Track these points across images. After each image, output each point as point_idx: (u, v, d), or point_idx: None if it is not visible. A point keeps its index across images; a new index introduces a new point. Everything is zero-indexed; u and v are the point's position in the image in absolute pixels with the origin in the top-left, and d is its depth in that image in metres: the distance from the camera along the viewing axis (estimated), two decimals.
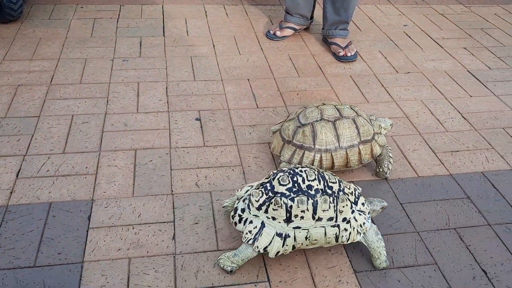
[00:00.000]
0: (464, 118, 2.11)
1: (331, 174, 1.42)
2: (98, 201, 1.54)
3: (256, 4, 3.14)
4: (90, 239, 1.41)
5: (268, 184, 1.35)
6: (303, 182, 1.33)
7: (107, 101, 2.05)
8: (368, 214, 1.43)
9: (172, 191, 1.61)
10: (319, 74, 2.38)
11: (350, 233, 1.37)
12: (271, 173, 1.39)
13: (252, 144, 1.86)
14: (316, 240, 1.35)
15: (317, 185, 1.34)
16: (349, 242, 1.37)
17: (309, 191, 1.32)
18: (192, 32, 2.71)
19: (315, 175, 1.36)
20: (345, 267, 1.40)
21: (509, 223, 1.58)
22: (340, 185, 1.38)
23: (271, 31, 2.73)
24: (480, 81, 2.41)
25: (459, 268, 1.42)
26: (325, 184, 1.35)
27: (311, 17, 2.80)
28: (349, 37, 2.63)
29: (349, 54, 2.54)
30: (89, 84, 2.16)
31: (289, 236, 1.32)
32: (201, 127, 1.94)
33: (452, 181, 1.75)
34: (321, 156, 1.65)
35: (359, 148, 1.67)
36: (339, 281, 1.35)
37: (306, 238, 1.33)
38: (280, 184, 1.32)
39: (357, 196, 1.42)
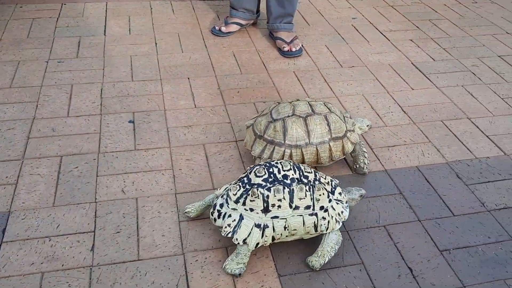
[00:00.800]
0: (404, 112, 2.10)
1: (307, 165, 1.44)
2: (15, 213, 1.47)
3: None
4: (2, 254, 1.35)
5: (245, 178, 1.38)
6: (279, 172, 1.36)
7: (37, 106, 1.97)
8: (346, 203, 1.45)
9: (95, 199, 1.55)
10: (262, 70, 2.34)
11: (328, 221, 1.38)
12: (248, 168, 1.42)
13: (186, 146, 1.82)
14: (295, 229, 1.36)
15: (292, 174, 1.36)
16: (328, 231, 1.38)
17: (285, 180, 1.35)
18: (134, 30, 2.63)
19: (291, 165, 1.38)
20: (269, 271, 1.37)
21: (439, 217, 1.58)
22: (315, 175, 1.41)
23: (217, 27, 2.67)
24: (423, 73, 2.41)
25: (385, 267, 1.40)
26: (301, 173, 1.38)
27: (257, 11, 2.75)
28: (294, 31, 2.60)
29: (293, 49, 2.50)
30: (19, 88, 2.08)
31: (268, 227, 1.33)
32: (134, 129, 1.88)
33: (386, 177, 1.73)
34: (291, 152, 1.65)
35: (329, 144, 1.67)
36: (262, 286, 1.32)
37: (285, 228, 1.35)
38: (257, 176, 1.35)
39: (333, 186, 1.45)
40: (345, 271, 1.38)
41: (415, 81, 2.34)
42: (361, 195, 1.51)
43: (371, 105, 2.13)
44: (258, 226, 1.33)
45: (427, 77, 2.38)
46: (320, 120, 1.66)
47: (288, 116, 1.66)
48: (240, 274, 1.34)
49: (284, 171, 1.36)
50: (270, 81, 2.26)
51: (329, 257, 1.38)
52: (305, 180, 1.37)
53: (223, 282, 1.33)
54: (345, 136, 1.70)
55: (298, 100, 1.75)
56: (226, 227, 1.34)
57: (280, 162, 1.39)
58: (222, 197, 1.40)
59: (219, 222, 1.37)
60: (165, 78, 2.22)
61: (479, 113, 2.12)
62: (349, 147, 1.70)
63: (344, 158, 1.80)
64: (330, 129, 1.67)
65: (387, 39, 2.73)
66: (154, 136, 1.85)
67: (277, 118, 1.67)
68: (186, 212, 1.50)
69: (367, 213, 1.58)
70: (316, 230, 1.38)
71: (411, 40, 2.73)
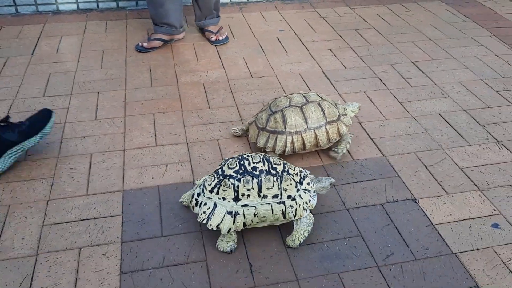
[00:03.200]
0: None
1: (277, 158, 1.58)
2: None
3: (140, 17, 3.21)
4: None
5: (219, 170, 1.52)
6: (249, 164, 1.50)
7: None
8: (314, 192, 1.58)
9: None
10: (173, 83, 2.44)
11: (296, 209, 1.51)
12: (223, 160, 1.56)
13: (74, 155, 1.91)
14: (265, 216, 1.49)
15: (261, 166, 1.50)
16: (296, 218, 1.52)
17: (254, 172, 1.48)
18: (62, 49, 2.77)
19: (260, 158, 1.52)
20: (113, 269, 1.45)
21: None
22: (284, 167, 1.54)
23: (140, 44, 2.79)
24: (330, 81, 2.48)
25: (226, 264, 1.47)
26: (269, 165, 1.51)
27: (181, 26, 2.87)
28: (220, 23, 2.95)
29: (220, 38, 2.87)
30: None
31: (239, 214, 1.47)
32: None
33: None
34: (292, 138, 1.83)
35: (326, 128, 1.85)
36: (101, 283, 1.40)
37: (254, 215, 1.48)
38: (229, 168, 1.50)
39: (302, 177, 1.57)
40: (186, 268, 1.46)
41: (319, 88, 2.42)
42: (330, 183, 1.63)
43: None
44: (229, 213, 1.47)
45: (332, 84, 2.45)
46: (314, 107, 1.85)
47: (286, 107, 1.85)
48: (231, 251, 1.50)
49: (254, 163, 1.50)
50: (176, 93, 2.36)
51: (304, 238, 1.53)
52: (273, 172, 1.50)
53: (65, 281, 1.41)
54: (339, 119, 1.89)
55: (293, 93, 1.94)
56: (201, 214, 1.49)
57: (251, 155, 1.52)
58: (199, 187, 1.56)
59: (196, 209, 1.52)
60: (76, 93, 2.34)
61: (372, 118, 2.19)
62: (343, 129, 1.89)
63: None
64: (324, 114, 1.85)
65: (307, 49, 2.81)
66: (46, 147, 1.96)
67: (276, 110, 1.86)
68: (180, 201, 1.68)
69: None
70: (284, 217, 1.51)
71: (330, 49, 2.81)
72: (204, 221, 1.48)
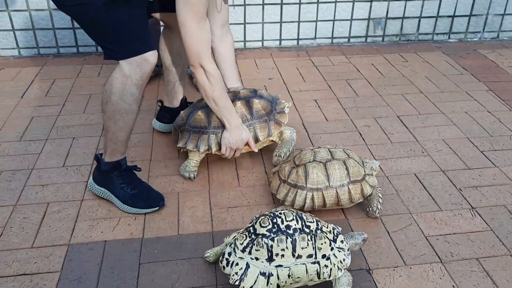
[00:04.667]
0: (266, 172, 2.13)
1: (309, 215, 1.53)
2: None
3: None
4: None
5: (251, 228, 1.48)
6: (282, 222, 1.46)
7: None
8: (348, 251, 1.53)
9: None
10: (149, 131, 2.43)
11: (331, 269, 1.46)
12: (254, 217, 1.51)
13: (30, 204, 1.91)
14: (299, 277, 1.44)
15: (295, 224, 1.46)
16: (331, 278, 1.47)
17: (287, 230, 1.44)
18: (52, 93, 2.81)
19: (293, 215, 1.48)
20: None
21: None
22: (317, 224, 1.50)
23: None
24: (307, 133, 2.42)
25: None
26: (303, 223, 1.47)
27: (161, 65, 2.92)
28: None
29: None
30: None
31: (272, 275, 1.42)
32: None
33: (208, 237, 1.75)
34: (312, 195, 1.79)
35: (348, 187, 1.80)
36: None
37: (288, 276, 1.44)
38: (261, 226, 1.45)
39: (335, 234, 1.53)
40: None
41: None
42: (363, 239, 1.58)
43: None
44: (263, 274, 1.42)
45: (309, 137, 2.39)
46: (339, 165, 1.81)
47: (309, 162, 1.82)
48: None
49: (287, 221, 1.46)
50: (150, 141, 2.35)
51: None
52: (307, 230, 1.46)
53: None
54: (364, 179, 1.82)
55: (319, 147, 1.91)
56: (233, 275, 1.44)
57: (284, 213, 1.48)
58: (230, 245, 1.51)
59: (227, 270, 1.47)
60: (51, 139, 2.36)
61: None
62: (367, 190, 1.82)
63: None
64: (348, 173, 1.80)
65: (292, 99, 2.78)
66: (6, 193, 1.97)
67: (299, 164, 1.84)
68: (206, 257, 1.63)
69: (167, 277, 1.59)
70: (319, 278, 1.46)
71: (315, 100, 2.77)
72: (237, 283, 1.43)
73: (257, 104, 2.11)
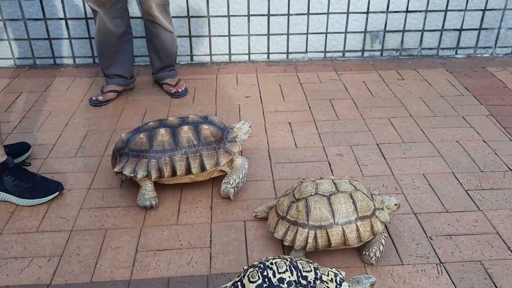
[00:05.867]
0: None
1: (306, 262, 1.35)
2: None
3: None
4: None
5: (239, 283, 1.28)
6: (274, 275, 1.26)
7: None
8: None
9: None
10: (99, 154, 2.24)
11: None
12: (242, 269, 1.32)
13: None
14: None
15: (289, 276, 1.27)
16: None
17: (281, 285, 1.25)
18: (13, 107, 2.66)
19: (286, 266, 1.28)
20: None
21: None
22: (316, 273, 1.31)
23: (93, 98, 2.72)
24: (270, 162, 2.15)
25: None
26: (299, 273, 1.29)
27: (132, 77, 2.84)
28: (177, 76, 2.87)
29: (180, 90, 2.81)
30: None
31: None
32: None
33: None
34: (315, 233, 1.58)
35: (356, 224, 1.58)
36: None
37: None
38: (250, 282, 1.26)
39: (338, 282, 1.35)
40: None
41: (254, 170, 2.10)
42: (371, 284, 1.41)
43: None
44: None
45: (270, 167, 2.13)
46: (345, 198, 1.60)
47: (311, 195, 1.61)
48: None
49: (279, 273, 1.26)
50: (96, 166, 2.16)
51: None
52: (304, 282, 1.28)
53: None
54: (374, 214, 1.61)
55: (321, 178, 1.70)
56: None
57: (275, 263, 1.29)
58: None
59: None
60: None
61: None
62: (378, 227, 1.60)
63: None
64: (356, 208, 1.59)
65: (264, 120, 2.52)
66: None
67: (300, 198, 1.63)
68: None
69: None
70: None
71: (289, 123, 2.50)
72: None
73: (205, 130, 1.91)
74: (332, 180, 1.67)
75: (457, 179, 2.04)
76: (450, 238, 1.72)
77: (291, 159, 2.20)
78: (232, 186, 1.89)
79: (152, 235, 1.75)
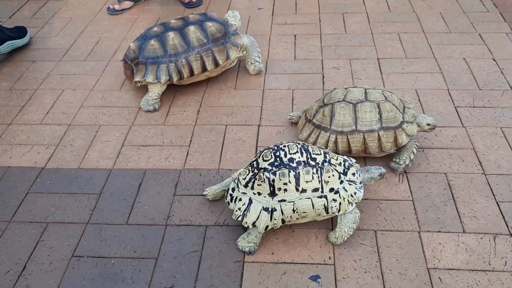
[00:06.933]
0: None
1: (317, 147, 1.42)
2: None
3: None
4: None
5: (254, 162, 1.41)
6: (285, 156, 1.36)
7: None
8: (360, 184, 1.43)
9: None
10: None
11: (340, 203, 1.37)
12: (259, 151, 1.49)
13: None
14: (305, 212, 1.36)
15: (299, 157, 1.36)
16: (340, 213, 1.38)
17: (290, 164, 1.35)
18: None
19: (297, 148, 1.38)
20: None
21: None
22: (325, 156, 1.39)
23: (111, 7, 2.82)
24: (265, 72, 2.20)
25: None
26: (308, 156, 1.37)
27: None
28: None
29: (194, 0, 2.83)
30: None
31: (276, 210, 1.35)
32: None
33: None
34: (336, 138, 1.63)
35: (378, 134, 1.60)
36: None
37: (293, 210, 1.36)
38: (264, 160, 1.37)
39: (346, 166, 1.42)
40: None
41: (244, 79, 2.16)
42: (380, 174, 1.46)
43: None
44: (266, 209, 1.35)
45: (264, 77, 2.17)
46: (370, 107, 1.60)
47: (338, 102, 1.64)
48: (250, 252, 1.40)
49: (290, 154, 1.36)
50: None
51: (348, 235, 1.40)
52: (313, 163, 1.36)
53: None
54: (400, 126, 1.61)
55: (355, 86, 1.72)
56: (236, 211, 1.39)
57: (288, 145, 1.38)
58: (234, 181, 1.45)
59: (231, 206, 1.41)
60: None
61: (273, 122, 1.90)
62: (403, 139, 1.60)
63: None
64: (381, 118, 1.60)
65: (270, 33, 2.51)
66: None
67: (327, 103, 1.67)
68: (204, 195, 1.57)
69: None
70: (327, 212, 1.37)
71: (294, 35, 2.48)
72: (240, 218, 1.37)
73: (211, 27, 2.03)
74: (365, 89, 1.66)
75: (450, 96, 1.99)
76: (422, 151, 1.72)
77: (286, 70, 2.22)
78: (260, 61, 2.14)
79: (139, 132, 1.89)
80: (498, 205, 1.51)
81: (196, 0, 2.83)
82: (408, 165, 1.60)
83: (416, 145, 1.62)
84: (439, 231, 1.44)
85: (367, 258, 1.38)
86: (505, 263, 1.35)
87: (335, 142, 1.60)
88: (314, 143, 1.63)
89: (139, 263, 1.40)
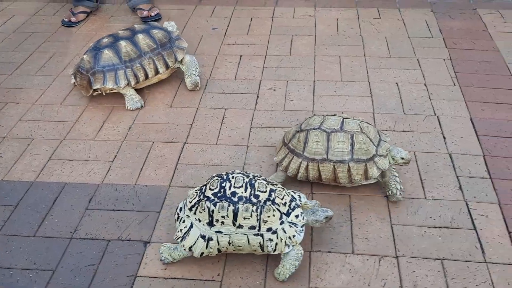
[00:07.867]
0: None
1: (266, 183, 1.43)
2: None
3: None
4: None
5: (203, 187, 1.44)
6: (229, 188, 1.39)
7: None
8: (302, 227, 1.41)
9: None
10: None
11: (276, 243, 1.38)
12: (211, 176, 1.48)
13: None
14: (240, 246, 1.40)
15: (242, 192, 1.38)
16: (276, 252, 1.39)
17: (232, 197, 1.38)
18: None
19: (243, 182, 1.40)
20: None
21: None
22: (270, 195, 1.39)
23: (66, 19, 2.95)
24: (203, 91, 2.27)
25: None
26: (252, 192, 1.38)
27: (97, 0, 3.08)
28: (152, 3, 3.07)
29: (152, 14, 2.95)
30: None
31: (212, 239, 1.39)
32: None
33: None
34: (307, 164, 1.66)
35: (349, 165, 1.62)
36: None
37: (229, 243, 1.39)
38: (210, 189, 1.41)
39: (292, 207, 1.42)
40: None
41: (180, 100, 2.24)
42: (327, 217, 1.45)
43: None
44: (203, 237, 1.39)
45: (201, 96, 2.24)
46: (344, 138, 1.63)
47: (313, 129, 1.67)
48: (164, 263, 1.46)
49: (234, 187, 1.38)
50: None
51: (290, 272, 1.40)
52: (255, 200, 1.37)
53: None
54: (372, 160, 1.62)
55: (334, 114, 1.75)
56: (178, 232, 1.43)
57: (235, 177, 1.40)
58: (185, 200, 1.48)
59: (176, 224, 1.46)
60: None
61: (201, 140, 1.97)
62: (373, 172, 1.62)
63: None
64: (352, 149, 1.62)
65: (218, 53, 2.59)
66: None
67: (304, 129, 1.70)
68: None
69: None
70: (262, 250, 1.39)
71: (240, 55, 2.55)
72: (179, 240, 1.42)
73: (157, 34, 2.25)
74: (343, 118, 1.68)
75: (374, 119, 2.05)
76: None
77: (224, 90, 2.29)
78: (197, 74, 2.27)
79: (68, 147, 1.97)
80: (392, 227, 1.57)
81: (155, 15, 2.94)
82: (400, 188, 1.61)
83: (394, 168, 1.65)
84: (329, 251, 1.50)
85: (254, 275, 1.43)
86: (384, 284, 1.40)
87: (306, 168, 1.63)
88: (287, 167, 1.67)
89: (36, 275, 1.46)
